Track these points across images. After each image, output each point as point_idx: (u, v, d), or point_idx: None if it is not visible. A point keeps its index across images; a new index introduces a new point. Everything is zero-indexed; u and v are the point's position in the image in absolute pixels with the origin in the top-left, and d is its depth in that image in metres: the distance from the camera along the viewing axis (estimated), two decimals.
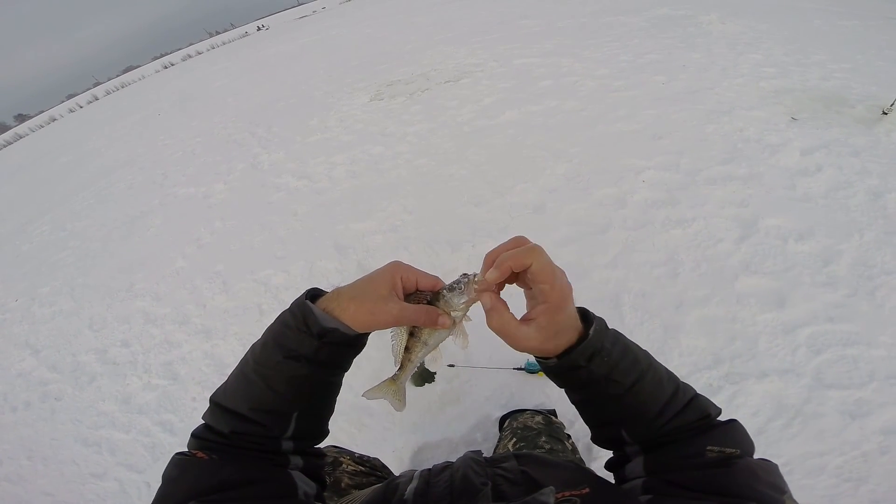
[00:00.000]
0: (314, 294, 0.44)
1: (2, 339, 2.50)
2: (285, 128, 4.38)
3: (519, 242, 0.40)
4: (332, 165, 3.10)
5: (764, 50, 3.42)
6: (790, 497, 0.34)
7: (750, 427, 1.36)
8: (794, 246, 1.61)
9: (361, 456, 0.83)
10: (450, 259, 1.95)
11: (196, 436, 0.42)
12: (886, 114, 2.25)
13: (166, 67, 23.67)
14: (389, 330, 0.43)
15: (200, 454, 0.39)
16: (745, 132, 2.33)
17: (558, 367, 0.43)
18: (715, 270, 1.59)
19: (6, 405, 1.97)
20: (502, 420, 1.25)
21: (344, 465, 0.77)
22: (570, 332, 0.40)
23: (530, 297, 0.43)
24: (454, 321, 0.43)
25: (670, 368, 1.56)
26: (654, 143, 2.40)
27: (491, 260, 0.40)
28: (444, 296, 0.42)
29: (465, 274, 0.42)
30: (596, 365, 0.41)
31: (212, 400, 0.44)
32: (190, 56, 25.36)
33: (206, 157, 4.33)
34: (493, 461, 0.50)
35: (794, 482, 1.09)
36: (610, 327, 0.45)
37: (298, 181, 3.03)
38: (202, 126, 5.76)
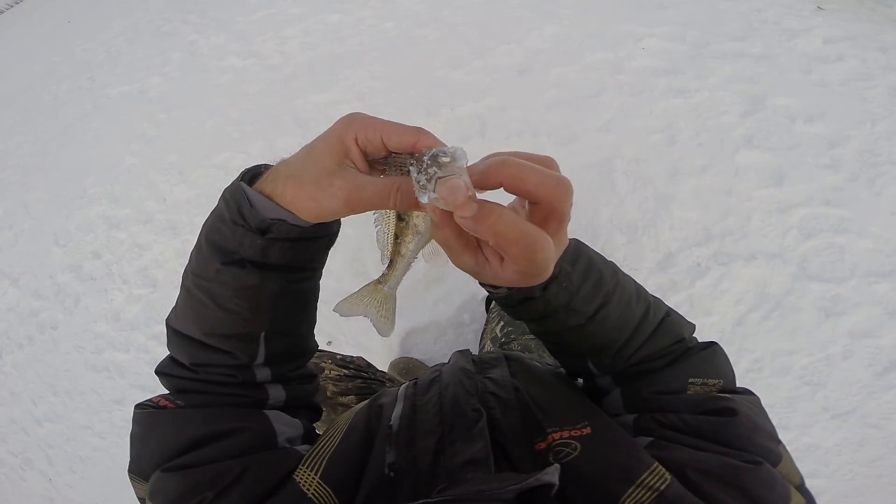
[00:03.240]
0: (257, 173, 0.31)
1: None
2: (221, 10, 3.71)
3: (547, 162, 0.27)
4: (283, 40, 2.69)
5: None
6: (782, 443, 0.34)
7: (730, 317, 1.23)
8: (801, 126, 1.51)
9: (344, 357, 0.78)
10: (426, 124, 1.75)
11: (161, 372, 0.36)
12: None
13: None
14: (373, 211, 0.31)
15: (163, 402, 0.34)
16: (763, 13, 2.03)
17: (508, 298, 0.35)
18: (715, 141, 1.50)
19: (11, 343, 1.96)
20: (488, 300, 1.23)
21: (326, 371, 0.72)
22: None
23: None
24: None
25: (661, 242, 1.44)
26: (658, 12, 2.08)
27: (499, 164, 0.25)
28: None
29: (440, 151, 0.24)
30: (553, 293, 0.33)
31: (166, 324, 0.35)
32: None
33: (135, 53, 3.77)
34: (482, 365, 0.43)
35: (763, 380, 1.12)
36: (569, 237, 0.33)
37: (245, 61, 2.66)
38: (123, 24, 4.86)
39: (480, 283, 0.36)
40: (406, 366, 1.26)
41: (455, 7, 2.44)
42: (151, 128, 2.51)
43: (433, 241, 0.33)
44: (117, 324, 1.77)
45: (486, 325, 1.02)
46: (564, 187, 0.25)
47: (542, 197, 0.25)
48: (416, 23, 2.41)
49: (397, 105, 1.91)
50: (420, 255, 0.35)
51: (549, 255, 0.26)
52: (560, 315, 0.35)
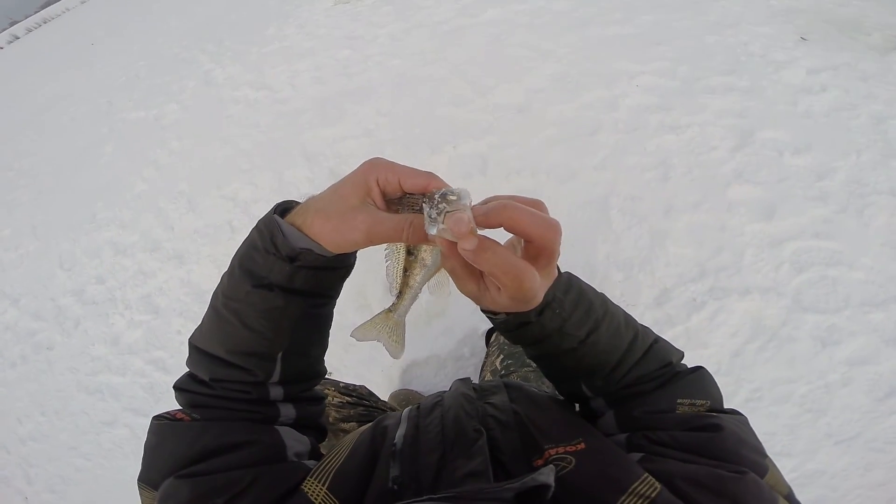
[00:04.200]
0: (288, 207, 0.36)
1: None
2: (238, 41, 3.89)
3: (537, 205, 0.31)
4: (295, 73, 2.81)
5: None
6: (768, 457, 0.35)
7: (727, 349, 1.24)
8: (789, 159, 1.57)
9: (347, 385, 0.81)
10: (429, 162, 1.86)
11: (178, 388, 0.38)
12: None
13: None
14: (384, 246, 0.35)
15: (180, 415, 0.35)
16: (749, 46, 2.14)
17: (507, 323, 0.38)
18: (707, 177, 1.55)
19: (4, 362, 1.96)
20: (489, 334, 1.26)
21: (329, 398, 0.74)
22: None
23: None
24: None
25: (657, 278, 1.48)
26: (651, 48, 2.20)
27: (500, 208, 0.29)
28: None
29: (449, 191, 0.29)
30: (547, 318, 0.36)
31: (190, 342, 0.38)
32: None
33: (153, 79, 3.90)
34: (483, 393, 0.47)
35: (762, 409, 1.13)
36: (562, 271, 0.39)
37: (258, 92, 2.77)
38: (144, 50, 5.09)
39: (482, 310, 0.39)
40: (406, 397, 1.26)
41: (458, 46, 2.57)
42: (164, 155, 2.57)
43: (438, 274, 0.38)
44: (116, 347, 1.77)
45: (486, 358, 1.04)
46: (554, 229, 0.30)
47: (535, 237, 0.30)
48: (422, 60, 2.53)
49: (402, 142, 1.96)
50: (426, 286, 0.39)
51: (535, 284, 0.30)
52: (554, 339, 0.38)
